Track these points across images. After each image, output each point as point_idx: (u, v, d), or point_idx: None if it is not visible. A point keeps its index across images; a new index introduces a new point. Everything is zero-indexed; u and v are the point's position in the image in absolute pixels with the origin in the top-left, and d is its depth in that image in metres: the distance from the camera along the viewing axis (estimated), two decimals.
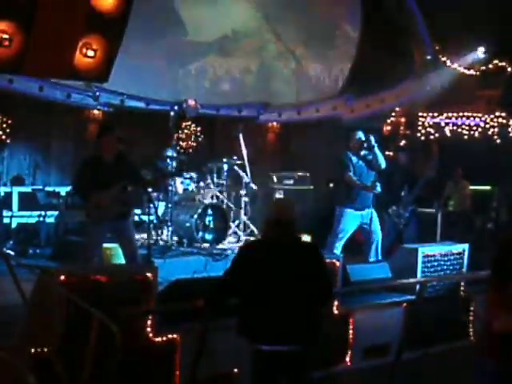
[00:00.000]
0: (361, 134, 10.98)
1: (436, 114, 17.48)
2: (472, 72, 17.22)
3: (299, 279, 5.55)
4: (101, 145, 9.10)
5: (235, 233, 12.55)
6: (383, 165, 10.89)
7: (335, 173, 11.34)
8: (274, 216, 5.72)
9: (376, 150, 10.85)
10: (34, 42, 7.85)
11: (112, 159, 9.05)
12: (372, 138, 10.86)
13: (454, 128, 17.31)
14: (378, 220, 11.05)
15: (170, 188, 11.81)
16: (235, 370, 7.21)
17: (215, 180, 12.71)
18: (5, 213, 12.39)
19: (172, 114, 12.46)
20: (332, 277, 7.61)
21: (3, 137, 14.35)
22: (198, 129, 17.01)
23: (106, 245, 10.84)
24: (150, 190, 11.03)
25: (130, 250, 9.32)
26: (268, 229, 5.75)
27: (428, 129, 17.56)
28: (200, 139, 17.08)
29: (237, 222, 12.63)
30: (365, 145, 10.87)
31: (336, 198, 11.19)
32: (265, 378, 5.56)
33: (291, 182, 15.46)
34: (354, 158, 10.89)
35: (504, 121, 16.73)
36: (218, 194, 12.71)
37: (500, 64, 16.82)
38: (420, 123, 17.66)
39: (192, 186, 12.40)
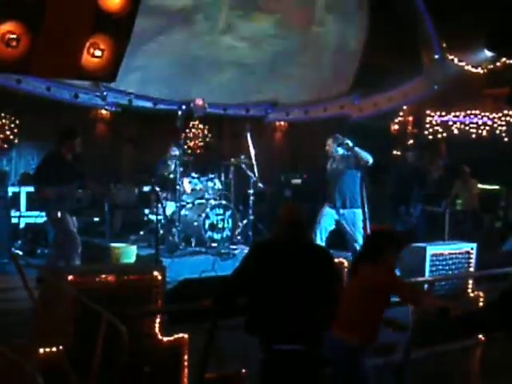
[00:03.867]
0: (337, 139, 11.30)
1: (444, 113, 17.45)
2: (480, 70, 17.18)
3: (309, 279, 5.55)
4: (64, 145, 9.97)
5: (243, 232, 12.55)
6: (370, 160, 11.11)
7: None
8: (285, 217, 5.72)
9: (356, 149, 11.07)
10: (41, 42, 7.85)
11: (70, 158, 10.00)
12: (348, 141, 11.12)
13: (462, 127, 17.28)
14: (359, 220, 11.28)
15: (177, 188, 11.82)
16: (243, 370, 7.22)
17: (223, 179, 12.71)
18: (13, 213, 12.41)
19: (180, 113, 12.45)
20: (341, 276, 7.62)
21: (11, 137, 14.38)
22: (206, 128, 17.02)
23: (114, 244, 10.90)
24: (157, 189, 11.08)
25: None
26: (279, 230, 5.74)
27: (436, 127, 17.54)
28: (208, 139, 17.08)
29: (245, 221, 12.63)
30: (341, 147, 11.19)
31: (320, 196, 11.58)
32: (274, 377, 5.55)
33: (299, 181, 15.46)
34: (328, 163, 11.40)
35: None
36: (226, 193, 12.71)
37: (508, 62, 16.78)
38: (428, 122, 17.64)
39: (200, 186, 12.40)
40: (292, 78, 16.89)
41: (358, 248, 11.16)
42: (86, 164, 10.73)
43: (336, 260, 7.33)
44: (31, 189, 13.37)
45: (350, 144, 11.05)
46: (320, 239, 10.91)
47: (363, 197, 11.61)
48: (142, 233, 12.25)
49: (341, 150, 11.16)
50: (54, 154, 10.01)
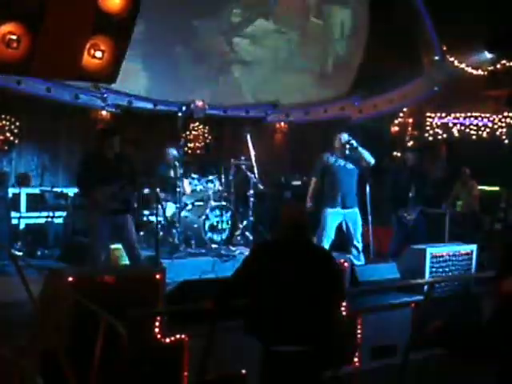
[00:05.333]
0: (345, 136, 11.30)
1: (444, 115, 17.45)
2: (480, 72, 17.19)
3: (311, 281, 5.54)
4: (104, 144, 9.52)
5: (243, 233, 12.55)
6: (372, 161, 11.22)
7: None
8: (287, 218, 5.72)
9: (360, 149, 11.15)
10: (41, 43, 7.86)
11: (112, 156, 9.53)
12: (353, 141, 11.16)
13: (462, 128, 17.28)
14: (361, 220, 11.41)
15: (177, 189, 11.82)
16: (243, 371, 7.21)
17: (223, 180, 12.71)
18: (13, 214, 12.41)
19: (180, 114, 12.46)
20: (342, 277, 7.62)
21: (11, 138, 14.36)
22: (206, 129, 17.01)
23: (114, 245, 10.88)
24: (157, 190, 11.08)
25: (129, 244, 9.71)
26: (280, 231, 5.74)
27: (436, 129, 17.54)
28: (208, 140, 17.07)
29: (245, 222, 12.63)
30: (347, 146, 11.19)
31: (320, 198, 11.46)
32: (275, 378, 5.55)
33: (299, 182, 15.46)
34: (332, 159, 11.29)
35: None
36: (226, 195, 12.71)
37: (508, 64, 16.78)
38: (428, 123, 17.65)
39: (200, 187, 12.40)
40: (293, 77, 16.97)
41: (359, 248, 11.17)
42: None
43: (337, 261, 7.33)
44: (31, 190, 13.43)
45: (355, 144, 11.06)
46: (325, 244, 10.89)
47: (367, 198, 11.62)
48: (141, 234, 12.24)
49: (347, 151, 11.16)
50: (95, 153, 9.75)
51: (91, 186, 9.30)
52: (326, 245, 10.91)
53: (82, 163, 9.86)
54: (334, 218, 11.13)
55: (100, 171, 9.32)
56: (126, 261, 10.41)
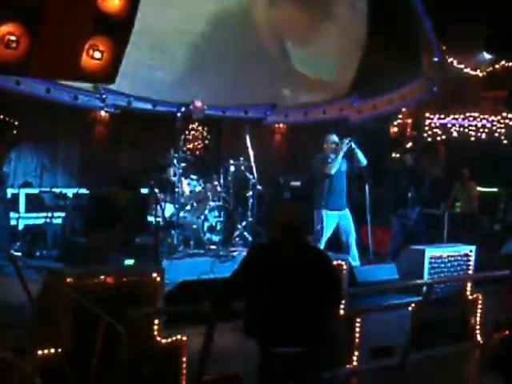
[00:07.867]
0: (335, 138, 11.49)
1: (443, 115, 17.47)
2: (479, 73, 17.20)
3: (307, 282, 5.54)
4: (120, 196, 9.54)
5: (242, 234, 12.53)
6: (364, 162, 11.28)
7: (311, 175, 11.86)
8: (281, 219, 5.71)
9: (356, 150, 11.24)
10: (40, 43, 7.85)
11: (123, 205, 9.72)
12: (352, 143, 11.26)
13: (461, 129, 17.30)
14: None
15: (176, 189, 11.81)
16: (240, 372, 7.21)
17: (222, 181, 12.69)
18: (12, 214, 12.39)
19: (179, 115, 12.44)
20: (340, 278, 7.62)
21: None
22: (205, 130, 17.00)
23: None
24: (156, 190, 11.07)
25: None
26: (276, 232, 5.73)
27: (435, 130, 17.56)
28: (207, 140, 17.07)
29: (243, 223, 12.61)
30: (336, 146, 11.34)
31: (313, 201, 11.47)
32: (272, 379, 5.55)
33: (298, 183, 15.46)
34: (329, 160, 11.41)
35: (511, 122, 16.71)
36: (225, 196, 12.69)
37: (507, 65, 16.80)
38: (427, 124, 17.66)
39: (199, 188, 12.38)
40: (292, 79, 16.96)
41: (353, 248, 11.17)
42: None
43: (335, 262, 7.33)
44: (30, 190, 13.43)
45: (353, 146, 11.13)
46: (321, 245, 10.91)
47: (366, 199, 11.63)
48: (137, 240, 12.21)
49: (342, 151, 11.21)
50: (106, 199, 9.77)
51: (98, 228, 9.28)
52: (321, 244, 10.93)
53: (93, 207, 9.87)
54: (331, 220, 11.21)
55: (109, 216, 9.35)
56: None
